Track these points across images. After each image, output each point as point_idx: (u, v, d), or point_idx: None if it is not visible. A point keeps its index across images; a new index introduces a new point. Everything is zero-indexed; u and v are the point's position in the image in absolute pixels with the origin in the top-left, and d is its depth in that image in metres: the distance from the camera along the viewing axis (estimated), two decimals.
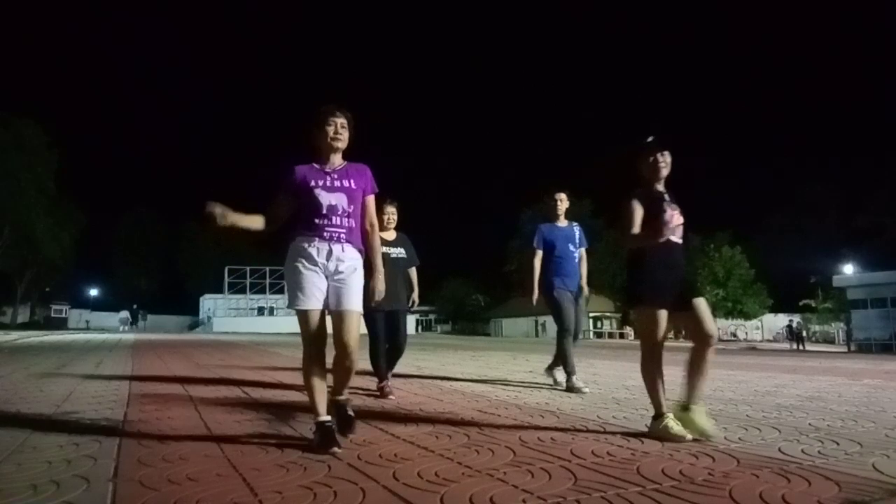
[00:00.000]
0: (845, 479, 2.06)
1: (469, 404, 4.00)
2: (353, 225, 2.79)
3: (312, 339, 2.68)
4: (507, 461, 2.35)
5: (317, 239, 2.70)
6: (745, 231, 43.75)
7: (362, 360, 3.08)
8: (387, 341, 4.63)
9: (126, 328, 44.63)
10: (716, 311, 41.28)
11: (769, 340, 39.68)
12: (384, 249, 3.66)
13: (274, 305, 57.65)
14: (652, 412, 2.96)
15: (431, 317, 62.89)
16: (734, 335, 41.75)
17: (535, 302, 5.03)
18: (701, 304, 2.90)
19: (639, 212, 2.94)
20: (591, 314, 43.73)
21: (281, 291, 59.29)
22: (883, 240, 39.57)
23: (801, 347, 27.36)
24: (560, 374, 5.04)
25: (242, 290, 57.61)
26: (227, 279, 56.49)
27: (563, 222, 5.24)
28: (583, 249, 5.25)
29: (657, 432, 2.82)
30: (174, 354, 10.11)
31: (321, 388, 2.70)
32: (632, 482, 2.04)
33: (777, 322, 43.75)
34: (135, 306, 57.36)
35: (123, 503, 1.85)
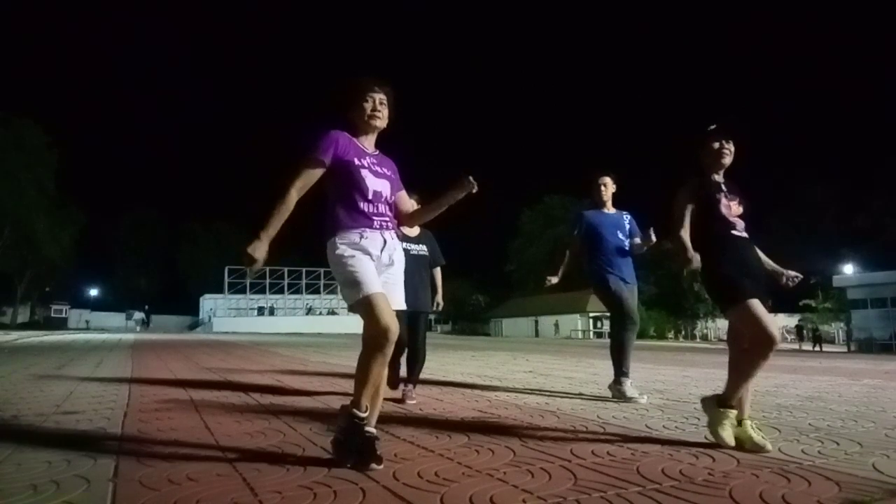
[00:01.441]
0: (845, 479, 2.06)
1: (469, 404, 4.00)
2: (393, 218, 2.53)
3: (386, 331, 2.20)
4: (507, 461, 2.35)
5: (368, 229, 2.37)
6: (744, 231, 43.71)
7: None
8: (406, 345, 4.07)
9: (140, 328, 47.82)
10: (716, 310, 41.27)
11: None
12: (404, 245, 3.39)
13: (274, 305, 57.69)
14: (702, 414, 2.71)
15: (431, 317, 62.86)
16: None
17: (547, 283, 4.68)
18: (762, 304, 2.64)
19: (688, 206, 2.78)
20: (592, 314, 43.77)
21: (281, 292, 59.44)
22: (883, 240, 39.59)
23: (817, 348, 25.67)
24: (629, 388, 4.27)
25: (242, 290, 57.64)
26: (227, 279, 56.52)
27: (610, 209, 4.75)
28: (636, 240, 4.66)
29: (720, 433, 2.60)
30: (174, 355, 10.11)
31: (381, 394, 2.35)
32: (632, 482, 2.04)
33: (777, 322, 43.76)
34: (146, 307, 58.77)
35: (123, 503, 1.85)
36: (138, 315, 51.64)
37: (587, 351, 13.63)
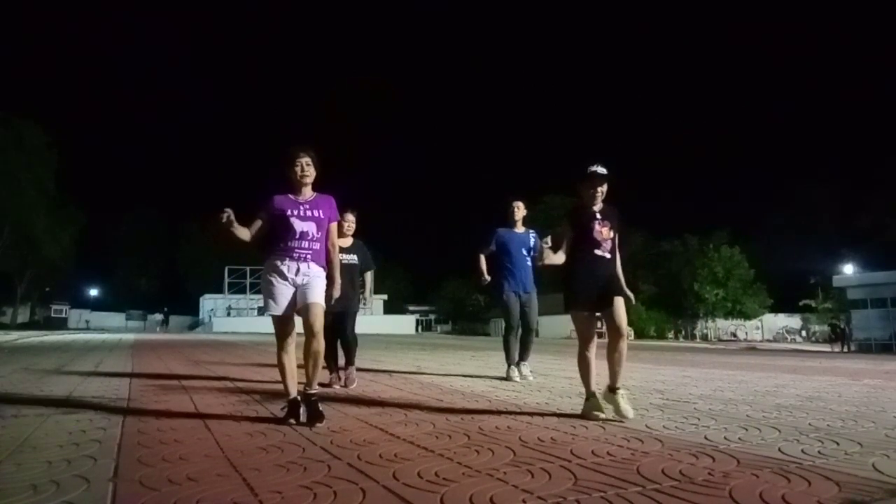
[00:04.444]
0: (845, 479, 2.06)
1: (469, 404, 4.00)
2: (319, 248, 3.39)
3: (283, 335, 3.32)
4: (507, 461, 2.35)
5: (288, 259, 3.30)
6: (744, 231, 43.74)
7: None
8: (336, 338, 5.16)
9: (160, 328, 51.24)
10: (715, 310, 41.29)
11: (769, 340, 39.67)
12: (339, 256, 4.07)
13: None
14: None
15: (431, 317, 62.90)
16: (734, 335, 41.72)
17: (483, 282, 5.75)
18: (618, 302, 3.43)
19: (567, 231, 3.56)
20: None
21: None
22: (883, 240, 39.54)
23: (846, 349, 23.62)
24: (514, 372, 5.58)
25: (242, 290, 57.57)
26: (227, 279, 56.49)
27: (519, 228, 5.73)
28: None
29: (586, 409, 3.46)
30: (174, 354, 10.11)
31: (292, 375, 3.31)
32: (632, 482, 2.04)
33: (777, 322, 43.74)
34: (165, 309, 60.22)
35: (123, 503, 1.85)
36: (158, 316, 56.13)
37: None
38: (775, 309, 43.45)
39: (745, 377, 6.32)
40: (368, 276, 5.51)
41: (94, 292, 65.93)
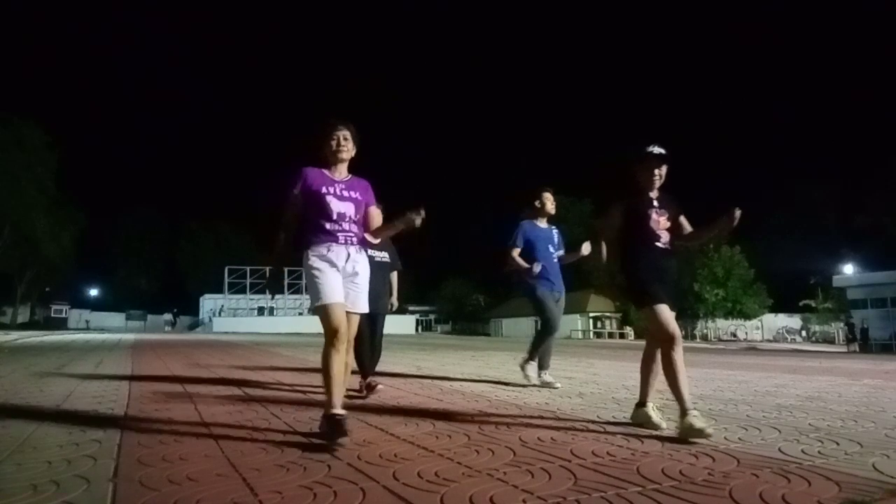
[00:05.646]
0: (845, 479, 2.06)
1: (469, 404, 4.00)
2: (360, 232, 2.96)
3: (336, 332, 2.72)
4: (507, 461, 2.35)
5: (333, 243, 2.83)
6: (744, 231, 43.71)
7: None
8: (367, 341, 4.58)
9: (169, 328, 52.78)
10: (715, 310, 41.24)
11: (769, 340, 39.65)
12: (370, 252, 3.56)
13: (274, 305, 57.65)
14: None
15: (431, 317, 62.89)
16: (734, 335, 41.70)
17: (535, 272, 5.00)
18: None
19: (616, 220, 3.19)
20: (592, 314, 43.75)
21: (280, 292, 59.32)
22: (883, 240, 39.54)
23: (862, 349, 21.78)
24: (532, 370, 5.12)
25: (242, 290, 57.56)
26: (227, 279, 56.49)
27: (543, 223, 5.26)
28: (559, 253, 5.25)
29: (641, 418, 3.13)
30: (174, 354, 10.11)
31: (340, 381, 2.76)
32: (632, 482, 2.04)
33: (777, 322, 43.71)
34: (175, 310, 61.65)
35: (123, 503, 1.85)
36: (168, 316, 57.91)
37: (587, 351, 13.63)
38: (775, 309, 43.43)
39: (745, 377, 6.32)
40: (394, 276, 5.02)
41: (94, 292, 66.00)
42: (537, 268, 4.99)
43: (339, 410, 2.68)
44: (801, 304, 42.04)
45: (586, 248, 4.84)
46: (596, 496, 1.89)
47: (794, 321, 43.88)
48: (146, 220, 70.02)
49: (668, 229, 3.16)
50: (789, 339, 40.28)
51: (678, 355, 2.93)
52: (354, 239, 2.90)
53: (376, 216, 3.07)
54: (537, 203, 5.22)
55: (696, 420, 2.76)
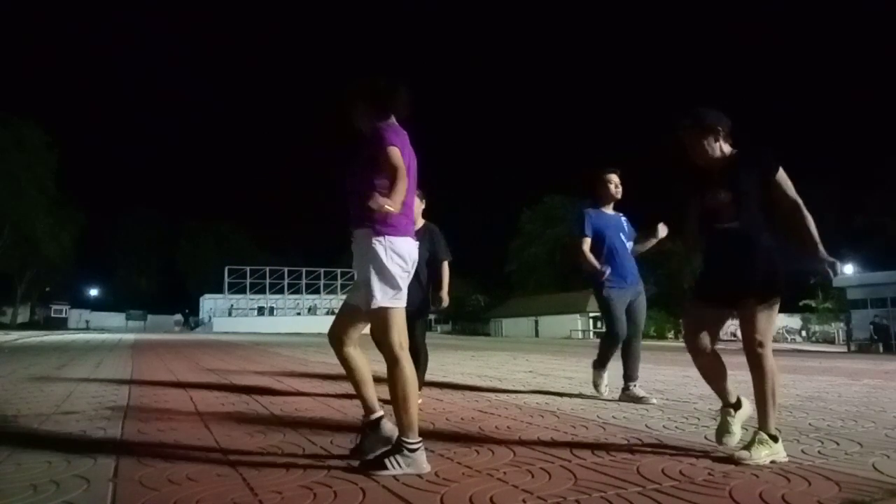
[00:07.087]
0: (845, 479, 2.06)
1: (469, 404, 4.00)
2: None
3: (404, 339, 2.39)
4: (507, 461, 2.35)
5: (410, 238, 2.40)
6: None
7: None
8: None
9: (179, 329, 53.84)
10: None
11: None
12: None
13: (274, 305, 57.68)
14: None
15: (431, 317, 62.93)
16: (734, 335, 41.61)
17: (606, 275, 4.25)
18: (752, 304, 2.69)
19: (694, 211, 2.74)
20: (592, 314, 43.74)
21: (280, 292, 59.39)
22: (883, 240, 39.53)
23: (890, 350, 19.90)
24: (603, 382, 4.41)
25: (242, 290, 57.62)
26: (227, 279, 56.52)
27: (609, 210, 4.46)
28: (630, 243, 4.48)
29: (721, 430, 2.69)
30: (174, 355, 10.11)
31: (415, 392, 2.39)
32: (632, 482, 2.04)
33: (777, 322, 43.73)
34: (186, 311, 62.66)
35: (123, 503, 1.85)
36: (177, 317, 59.74)
37: (587, 351, 13.62)
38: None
39: (745, 377, 6.30)
40: (445, 266, 4.35)
41: (94, 292, 66.02)
42: (607, 270, 4.24)
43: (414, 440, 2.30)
44: (800, 304, 42.03)
45: (663, 230, 4.33)
46: (596, 496, 1.89)
47: (794, 321, 43.89)
48: (146, 220, 70.07)
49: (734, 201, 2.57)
50: (789, 339, 40.27)
51: (700, 358, 2.84)
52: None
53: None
54: (601, 187, 4.41)
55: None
